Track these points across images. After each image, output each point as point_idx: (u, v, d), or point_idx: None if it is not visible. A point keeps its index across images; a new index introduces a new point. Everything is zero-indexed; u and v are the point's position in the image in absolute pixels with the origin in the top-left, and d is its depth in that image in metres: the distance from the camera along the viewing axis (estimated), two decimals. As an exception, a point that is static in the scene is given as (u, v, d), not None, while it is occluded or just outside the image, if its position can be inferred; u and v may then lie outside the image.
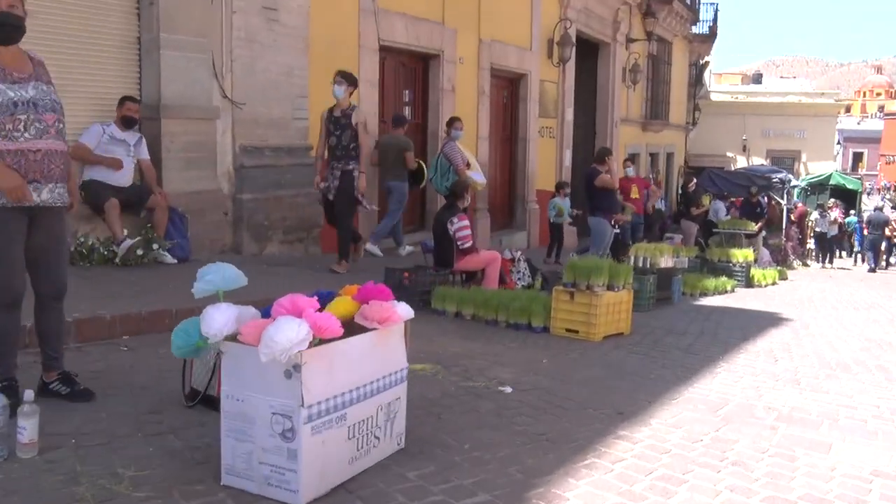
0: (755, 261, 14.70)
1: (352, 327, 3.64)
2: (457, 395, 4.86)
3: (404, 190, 11.22)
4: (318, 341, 3.28)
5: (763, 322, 9.34)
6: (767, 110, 40.91)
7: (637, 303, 9.32)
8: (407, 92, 13.28)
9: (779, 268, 16.27)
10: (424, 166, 11.54)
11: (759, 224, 17.21)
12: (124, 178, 8.15)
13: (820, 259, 22.15)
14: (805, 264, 21.30)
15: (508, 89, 15.93)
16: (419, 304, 8.14)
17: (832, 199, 24.66)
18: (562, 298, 7.46)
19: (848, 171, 53.56)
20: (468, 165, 10.86)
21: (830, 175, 31.22)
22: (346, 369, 3.44)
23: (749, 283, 13.83)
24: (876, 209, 24.72)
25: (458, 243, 8.96)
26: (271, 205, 9.93)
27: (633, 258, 10.14)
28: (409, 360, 3.89)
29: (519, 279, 10.75)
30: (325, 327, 3.25)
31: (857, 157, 62.87)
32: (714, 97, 41.30)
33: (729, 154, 39.22)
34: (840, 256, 23.73)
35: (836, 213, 23.24)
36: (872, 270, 19.97)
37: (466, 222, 9.04)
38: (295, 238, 10.40)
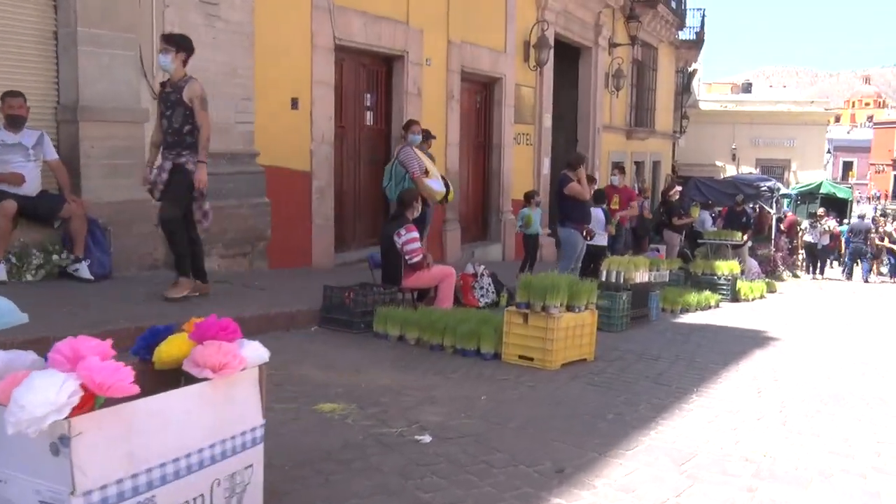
0: (741, 273, 13.76)
1: (185, 377, 2.71)
2: (362, 446, 3.91)
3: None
4: (103, 401, 2.33)
5: (747, 343, 8.39)
6: (757, 119, 40.21)
7: (608, 322, 8.43)
8: (368, 95, 12.36)
9: (767, 280, 15.34)
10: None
11: (746, 234, 16.23)
12: (29, 187, 7.20)
13: (810, 270, 21.18)
14: (795, 275, 20.37)
15: (482, 94, 15.01)
16: (361, 326, 7.21)
17: (821, 209, 23.69)
18: (514, 321, 6.51)
19: (838, 180, 52.81)
20: (426, 173, 9.91)
21: (821, 184, 30.44)
22: (155, 436, 2.49)
23: (735, 297, 12.90)
24: (859, 217, 23.83)
25: (406, 257, 8.02)
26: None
27: (605, 273, 9.19)
28: (324, 395, 2.93)
29: (482, 296, 9.83)
30: (109, 384, 2.30)
31: (848, 167, 62.23)
32: (703, 106, 40.52)
33: (718, 163, 38.47)
34: (831, 266, 22.75)
35: (831, 223, 22.24)
36: (866, 280, 18.99)
37: (415, 234, 8.10)
38: (238, 252, 9.45)
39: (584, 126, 19.31)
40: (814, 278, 20.52)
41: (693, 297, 11.29)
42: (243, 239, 9.48)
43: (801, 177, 38.08)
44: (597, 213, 11.73)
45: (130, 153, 8.30)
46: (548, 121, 16.68)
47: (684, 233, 20.30)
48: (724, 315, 11.06)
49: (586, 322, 6.70)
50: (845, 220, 24.67)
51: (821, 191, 29.62)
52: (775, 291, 14.83)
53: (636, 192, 14.58)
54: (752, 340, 8.63)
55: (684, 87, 34.58)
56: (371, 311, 7.33)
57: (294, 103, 10.48)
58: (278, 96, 10.10)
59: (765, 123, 39.87)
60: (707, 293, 11.95)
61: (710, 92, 49.58)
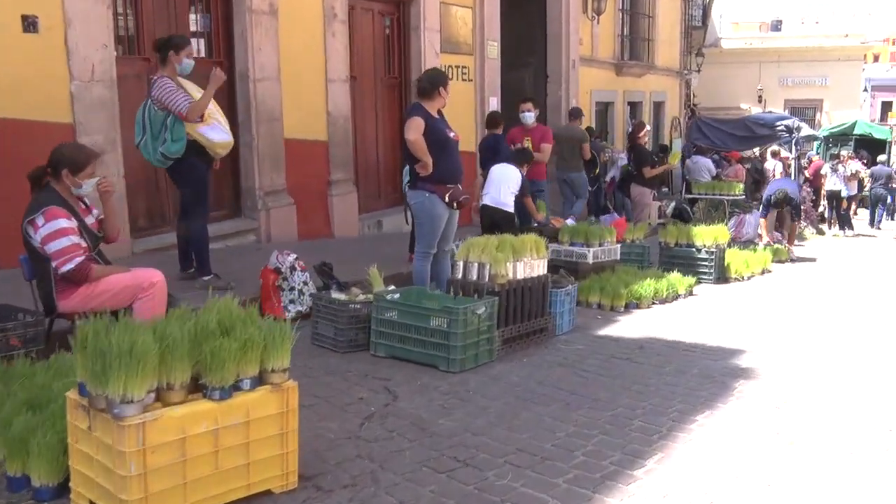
0: (732, 240, 9.64)
1: None
2: None
3: (585, 178, 11.16)
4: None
5: (700, 399, 4.40)
6: (785, 56, 35.13)
7: (446, 357, 4.54)
8: (197, 16, 8.43)
9: (777, 245, 11.08)
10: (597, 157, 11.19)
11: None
12: None
13: (833, 224, 16.49)
14: (820, 232, 15.93)
15: (392, 16, 10.92)
16: None
17: (844, 150, 18.88)
18: (78, 424, 2.63)
19: (877, 121, 47.19)
20: (202, 117, 5.99)
21: (855, 123, 25.61)
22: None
23: (723, 275, 8.77)
24: (879, 161, 19.08)
25: (53, 265, 4.16)
26: None
27: (460, 268, 5.22)
28: None
29: (291, 302, 5.96)
30: None
31: (887, 107, 56.15)
32: (726, 44, 35.54)
33: (743, 106, 33.67)
34: (855, 214, 17.97)
35: (856, 165, 17.44)
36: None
37: (64, 223, 4.22)
38: None
39: (555, 59, 15.03)
40: (837, 235, 15.83)
41: (648, 285, 7.22)
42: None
43: (835, 118, 33.10)
44: (507, 172, 7.72)
45: None
46: (493, 50, 12.51)
47: (685, 185, 16.09)
48: (692, 313, 7.00)
49: (265, 414, 2.82)
50: (880, 160, 19.85)
51: (855, 131, 24.83)
52: (784, 260, 10.59)
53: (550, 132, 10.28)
54: (712, 387, 4.63)
55: (702, 20, 29.78)
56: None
57: (29, 24, 6.66)
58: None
59: (794, 61, 34.84)
60: (674, 276, 7.85)
61: (736, 30, 44.11)
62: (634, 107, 19.05)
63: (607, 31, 17.06)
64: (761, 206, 11.14)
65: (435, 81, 5.96)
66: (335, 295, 5.34)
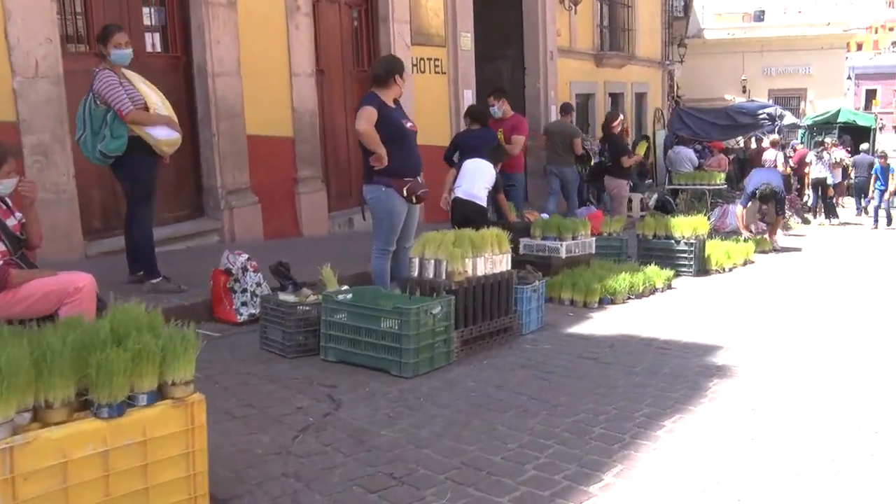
0: (715, 231, 9.31)
1: None
2: None
3: (576, 173, 11.19)
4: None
5: (666, 399, 4.07)
6: (768, 45, 34.81)
7: (398, 361, 4.20)
8: (151, 9, 8.06)
9: (758, 236, 10.77)
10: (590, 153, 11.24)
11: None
12: None
13: (819, 213, 16.13)
14: (805, 220, 15.62)
15: (360, 6, 10.54)
16: None
17: (829, 137, 18.52)
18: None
19: (861, 109, 46.95)
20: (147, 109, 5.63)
21: (839, 111, 25.30)
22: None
23: (703, 268, 8.44)
24: (862, 150, 18.77)
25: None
26: None
27: (416, 264, 4.87)
28: None
29: (243, 304, 5.60)
30: None
31: (871, 95, 56.06)
32: (709, 35, 35.22)
33: (727, 97, 33.28)
34: (842, 205, 17.61)
35: (840, 153, 17.07)
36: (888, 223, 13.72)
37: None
38: None
39: (532, 50, 14.68)
40: (823, 224, 15.47)
41: (623, 280, 6.88)
42: None
43: (819, 106, 32.84)
44: (481, 167, 7.37)
45: None
46: (466, 42, 12.14)
47: (668, 176, 15.76)
48: (669, 308, 6.66)
49: (166, 432, 2.50)
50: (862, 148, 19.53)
51: (839, 119, 24.52)
52: (767, 251, 10.27)
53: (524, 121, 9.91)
54: (684, 388, 4.29)
55: (684, 11, 29.56)
56: None
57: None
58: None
59: (777, 50, 34.54)
60: (651, 269, 7.51)
61: (719, 21, 43.79)
62: (616, 98, 18.71)
63: (586, 22, 16.72)
64: (742, 196, 10.81)
65: (390, 69, 5.60)
66: (283, 296, 4.98)
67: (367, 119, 5.35)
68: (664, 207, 14.55)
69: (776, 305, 6.78)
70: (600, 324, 5.90)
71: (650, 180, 18.17)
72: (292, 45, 9.15)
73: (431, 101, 11.49)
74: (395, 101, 5.69)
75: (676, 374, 4.51)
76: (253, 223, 8.75)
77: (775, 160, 15.33)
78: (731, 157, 17.10)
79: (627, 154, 10.60)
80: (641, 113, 20.58)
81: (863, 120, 25.50)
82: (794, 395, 4.18)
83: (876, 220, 12.37)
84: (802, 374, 4.60)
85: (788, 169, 15.41)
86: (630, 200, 14.42)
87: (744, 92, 34.14)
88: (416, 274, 4.91)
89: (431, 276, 4.84)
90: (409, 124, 5.61)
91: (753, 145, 18.34)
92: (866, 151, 19.21)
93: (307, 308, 4.88)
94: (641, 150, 11.58)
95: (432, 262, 4.83)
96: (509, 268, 5.25)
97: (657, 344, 5.25)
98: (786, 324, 6.00)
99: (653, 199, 15.01)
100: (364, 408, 3.90)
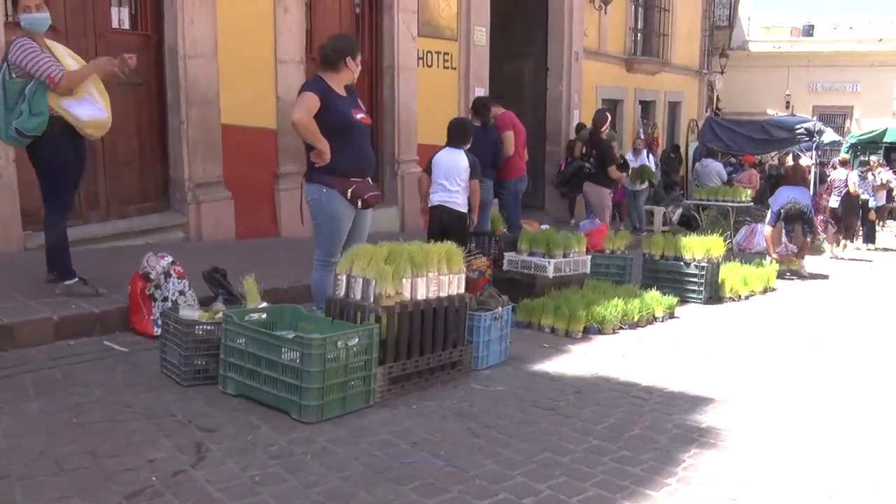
0: (741, 251, 8.28)
1: None
2: None
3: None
4: None
5: (622, 475, 3.20)
6: (815, 61, 33.34)
7: (297, 402, 3.33)
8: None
9: (787, 258, 9.69)
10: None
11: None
12: None
13: (856, 237, 14.75)
14: (840, 244, 14.38)
15: (363, -8, 9.72)
16: None
17: (874, 156, 17.09)
18: None
19: (911, 130, 44.88)
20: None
21: (885, 130, 23.84)
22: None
23: (715, 294, 7.44)
24: None
25: None
26: None
27: (343, 283, 3.99)
28: None
29: (156, 322, 4.79)
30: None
31: (922, 117, 53.79)
32: (753, 47, 33.84)
33: (770, 112, 31.91)
34: (882, 228, 16.10)
35: (887, 174, 15.60)
36: None
37: None
38: None
39: (556, 50, 13.71)
40: (860, 249, 14.14)
41: (615, 306, 5.92)
42: None
43: (865, 125, 31.29)
44: (453, 159, 6.44)
45: None
46: (481, 37, 11.22)
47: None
48: (664, 342, 5.68)
49: None
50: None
51: (885, 139, 23.09)
52: (798, 275, 9.18)
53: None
54: (651, 458, 3.40)
55: (729, 20, 28.42)
56: None
57: None
58: None
59: (824, 66, 33.09)
60: (652, 294, 6.54)
61: (767, 35, 42.18)
62: (647, 106, 17.64)
63: (617, 24, 15.67)
64: (769, 215, 9.73)
65: (340, 49, 4.72)
66: (184, 312, 4.13)
67: (304, 107, 4.48)
68: (689, 223, 13.47)
69: (791, 345, 5.76)
70: (576, 360, 4.96)
71: (681, 191, 17.04)
72: (279, 28, 8.35)
73: (438, 97, 10.59)
74: (349, 89, 4.81)
75: (646, 438, 3.57)
76: (224, 220, 7.96)
77: (846, 181, 14.18)
78: (764, 172, 15.88)
79: (617, 164, 9.43)
80: (675, 123, 19.46)
81: (910, 141, 23.99)
82: (792, 471, 3.21)
83: None
84: (809, 440, 3.62)
85: (859, 191, 14.22)
86: (651, 214, 13.40)
87: (787, 107, 32.73)
88: (341, 294, 4.03)
89: (359, 297, 3.95)
90: (359, 116, 4.73)
91: (790, 161, 17.09)
92: (905, 171, 17.87)
93: (210, 328, 4.02)
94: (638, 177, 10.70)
95: (360, 280, 3.94)
96: (462, 290, 4.34)
97: (635, 391, 4.30)
98: (799, 370, 5.00)
99: (677, 214, 13.95)
100: (232, 465, 3.03)
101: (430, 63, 10.51)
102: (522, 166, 8.48)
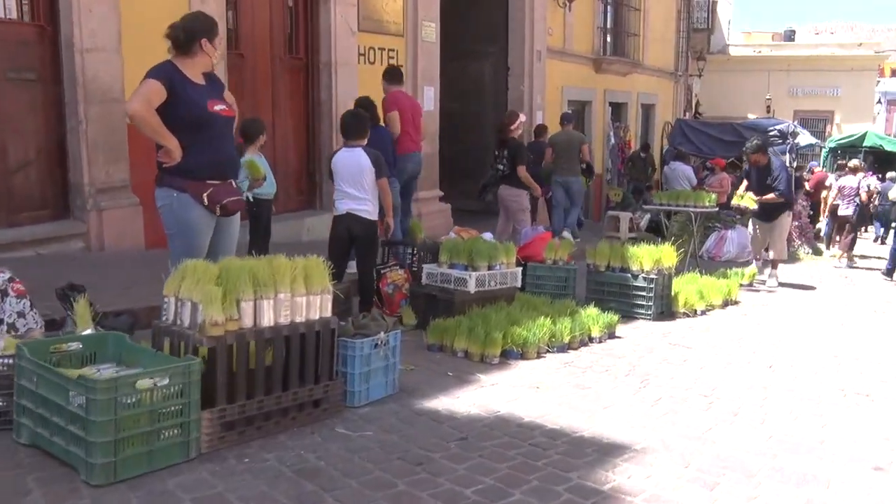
0: (710, 259, 7.56)
1: None
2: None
3: (582, 185, 10.79)
4: None
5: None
6: (795, 65, 32.74)
7: (83, 459, 2.49)
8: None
9: (751, 267, 8.97)
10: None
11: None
12: None
13: (833, 243, 13.95)
14: (817, 251, 13.68)
15: (297, -16, 8.95)
16: None
17: (855, 160, 16.36)
18: None
19: (891, 135, 44.35)
20: None
21: (865, 134, 23.26)
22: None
23: (667, 309, 6.70)
24: (889, 179, 16.84)
25: None
26: None
27: (171, 307, 3.21)
28: None
29: None
30: None
31: (904, 121, 53.29)
32: (734, 51, 33.27)
33: (750, 116, 31.31)
34: (861, 235, 15.29)
35: (869, 181, 14.64)
36: (888, 273, 10.90)
37: None
38: None
39: (517, 49, 12.98)
40: (842, 256, 13.30)
41: (542, 326, 5.16)
42: None
43: (846, 130, 30.78)
44: (354, 160, 5.65)
45: None
46: (430, 33, 10.47)
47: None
48: (593, 369, 4.93)
49: None
50: (889, 176, 17.44)
51: (864, 143, 22.48)
52: (763, 286, 8.45)
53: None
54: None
55: (708, 23, 27.87)
56: None
57: None
58: None
59: (804, 70, 32.50)
60: (589, 311, 5.79)
61: (748, 40, 41.60)
62: (618, 108, 16.92)
63: (584, 22, 14.96)
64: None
65: (192, 30, 3.96)
66: (-20, 343, 3.35)
67: (142, 97, 3.72)
68: (658, 230, 12.72)
69: (741, 372, 5.01)
70: (479, 393, 4.19)
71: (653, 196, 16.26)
72: (196, 21, 7.54)
73: (381, 97, 9.81)
74: (208, 77, 4.05)
75: (527, 505, 2.81)
76: (130, 229, 7.17)
77: (857, 188, 13.53)
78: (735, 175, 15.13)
79: (527, 163, 8.54)
80: (648, 126, 18.76)
81: (891, 145, 23.38)
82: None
83: (890, 266, 10.08)
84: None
85: (866, 196, 13.63)
86: (617, 219, 12.65)
87: (768, 111, 32.15)
88: (169, 320, 3.25)
89: (186, 324, 3.19)
90: (218, 107, 3.96)
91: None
92: (893, 179, 17.24)
93: (9, 361, 3.25)
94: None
95: (189, 304, 3.17)
96: (327, 314, 3.57)
97: (536, 436, 3.54)
98: (744, 407, 4.25)
99: (645, 220, 13.20)
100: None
101: (372, 60, 9.74)
102: (411, 145, 7.65)
